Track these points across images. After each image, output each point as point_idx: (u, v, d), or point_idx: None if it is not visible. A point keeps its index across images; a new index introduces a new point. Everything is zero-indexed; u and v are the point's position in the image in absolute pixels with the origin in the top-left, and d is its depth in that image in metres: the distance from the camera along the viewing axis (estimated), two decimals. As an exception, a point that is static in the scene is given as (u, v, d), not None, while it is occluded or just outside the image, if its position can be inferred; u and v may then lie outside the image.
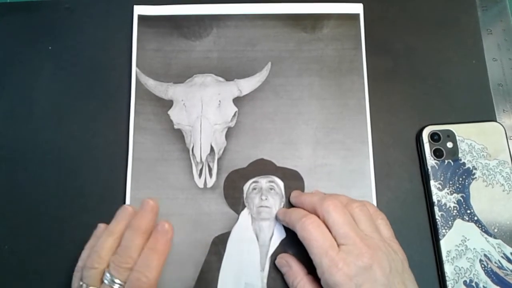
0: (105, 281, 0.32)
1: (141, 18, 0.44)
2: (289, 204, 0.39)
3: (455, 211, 0.38)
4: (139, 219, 0.35)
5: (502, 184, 0.39)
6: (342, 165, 0.40)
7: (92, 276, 0.33)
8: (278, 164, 0.40)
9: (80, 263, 0.35)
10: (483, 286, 0.37)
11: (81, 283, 0.33)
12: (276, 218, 0.39)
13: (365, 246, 0.32)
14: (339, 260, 0.31)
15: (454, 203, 0.39)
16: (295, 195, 0.39)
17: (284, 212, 0.37)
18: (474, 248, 0.37)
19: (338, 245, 0.32)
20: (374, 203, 0.39)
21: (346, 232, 0.33)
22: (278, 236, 0.39)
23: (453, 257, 0.37)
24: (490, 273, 0.37)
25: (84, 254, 0.35)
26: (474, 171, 0.39)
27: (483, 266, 0.37)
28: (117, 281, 0.32)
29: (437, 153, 0.40)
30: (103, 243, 0.34)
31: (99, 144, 0.41)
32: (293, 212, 0.36)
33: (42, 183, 0.40)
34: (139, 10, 0.44)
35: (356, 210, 0.35)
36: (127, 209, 0.36)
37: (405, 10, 0.45)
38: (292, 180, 0.40)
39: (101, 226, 0.37)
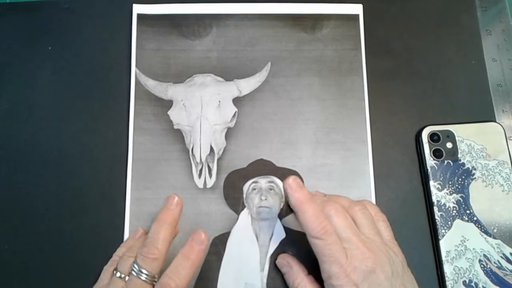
0: (133, 272, 0.33)
1: (140, 17, 0.44)
2: (289, 205, 0.39)
3: (454, 211, 0.38)
4: (164, 212, 0.35)
5: (502, 185, 0.39)
6: (341, 165, 0.40)
7: (128, 265, 0.34)
8: (277, 164, 0.41)
9: (114, 258, 0.36)
10: (483, 286, 0.37)
11: (115, 271, 0.34)
12: (284, 186, 0.34)
13: (368, 250, 0.32)
14: (347, 267, 0.31)
15: (454, 203, 0.39)
16: (293, 187, 0.37)
17: (298, 197, 0.33)
18: (473, 248, 0.37)
19: None
20: (374, 203, 0.39)
21: (349, 237, 0.33)
22: (278, 236, 0.39)
23: (453, 257, 0.37)
24: (489, 273, 0.37)
25: (119, 250, 0.37)
26: (473, 171, 0.39)
27: (482, 266, 0.37)
28: (144, 271, 0.33)
29: (437, 154, 0.40)
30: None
31: (99, 145, 0.41)
32: (309, 209, 0.33)
33: (42, 183, 0.40)
34: (138, 9, 0.44)
35: (358, 213, 0.35)
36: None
37: (405, 11, 0.45)
38: (292, 180, 0.40)
39: (140, 230, 0.38)
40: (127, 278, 0.34)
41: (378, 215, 0.36)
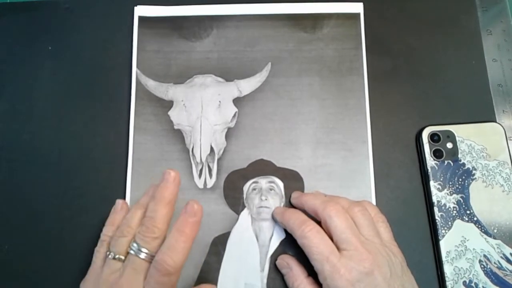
0: (131, 251, 0.33)
1: (142, 19, 0.44)
2: (289, 205, 0.39)
3: (454, 212, 0.38)
4: (162, 190, 0.35)
5: (502, 185, 0.39)
6: (342, 165, 0.40)
7: (121, 245, 0.34)
8: (278, 165, 0.40)
9: (103, 238, 0.36)
10: (483, 286, 0.37)
11: (107, 252, 0.34)
12: (272, 217, 0.39)
13: (366, 251, 0.32)
14: (340, 266, 0.32)
15: (454, 203, 0.39)
16: (296, 196, 0.39)
17: (281, 214, 0.37)
18: (473, 249, 0.37)
19: (340, 250, 0.33)
20: (374, 203, 0.39)
21: (348, 238, 0.33)
22: (278, 237, 0.39)
23: (453, 257, 0.37)
24: (489, 274, 0.37)
25: (106, 229, 0.36)
26: (473, 171, 0.39)
27: (482, 266, 0.37)
28: (144, 250, 0.33)
29: (437, 154, 0.40)
30: (133, 214, 0.35)
31: (99, 145, 0.41)
32: (292, 216, 0.36)
33: (42, 183, 0.40)
34: (140, 11, 0.44)
35: (358, 214, 0.35)
36: (156, 185, 0.36)
37: (405, 10, 0.45)
38: (292, 180, 0.40)
39: (119, 202, 0.37)
40: (122, 257, 0.33)
41: (377, 216, 0.36)
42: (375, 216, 0.36)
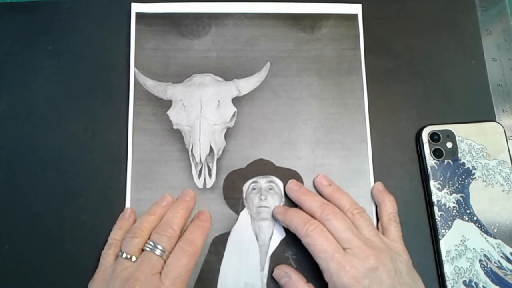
0: (147, 248, 0.35)
1: (139, 16, 0.44)
2: (289, 204, 0.39)
3: (454, 211, 0.38)
4: (180, 201, 0.38)
5: (502, 184, 0.39)
6: (341, 165, 0.40)
7: (134, 245, 0.35)
8: (277, 164, 0.40)
9: (110, 241, 0.37)
10: (483, 286, 0.37)
11: (119, 252, 0.35)
12: (273, 216, 0.39)
13: (369, 248, 0.33)
14: (346, 263, 0.32)
15: (454, 203, 0.39)
16: (293, 187, 0.39)
17: (283, 213, 0.37)
18: (473, 248, 0.37)
19: (343, 250, 0.33)
20: (373, 204, 0.39)
21: (349, 237, 0.33)
22: (278, 236, 0.39)
23: (453, 257, 0.37)
24: (489, 273, 0.37)
25: (114, 233, 0.37)
26: (473, 171, 0.39)
27: (482, 266, 0.37)
28: (159, 247, 0.35)
29: (437, 153, 0.40)
30: (144, 219, 0.37)
31: (98, 145, 0.41)
32: (295, 216, 0.36)
33: (42, 183, 0.40)
34: (137, 8, 0.44)
35: (357, 216, 0.36)
36: (167, 198, 0.39)
37: (404, 10, 0.45)
38: (291, 180, 0.40)
39: (128, 209, 0.39)
40: (134, 257, 0.35)
41: (392, 215, 0.37)
42: (391, 213, 0.37)
